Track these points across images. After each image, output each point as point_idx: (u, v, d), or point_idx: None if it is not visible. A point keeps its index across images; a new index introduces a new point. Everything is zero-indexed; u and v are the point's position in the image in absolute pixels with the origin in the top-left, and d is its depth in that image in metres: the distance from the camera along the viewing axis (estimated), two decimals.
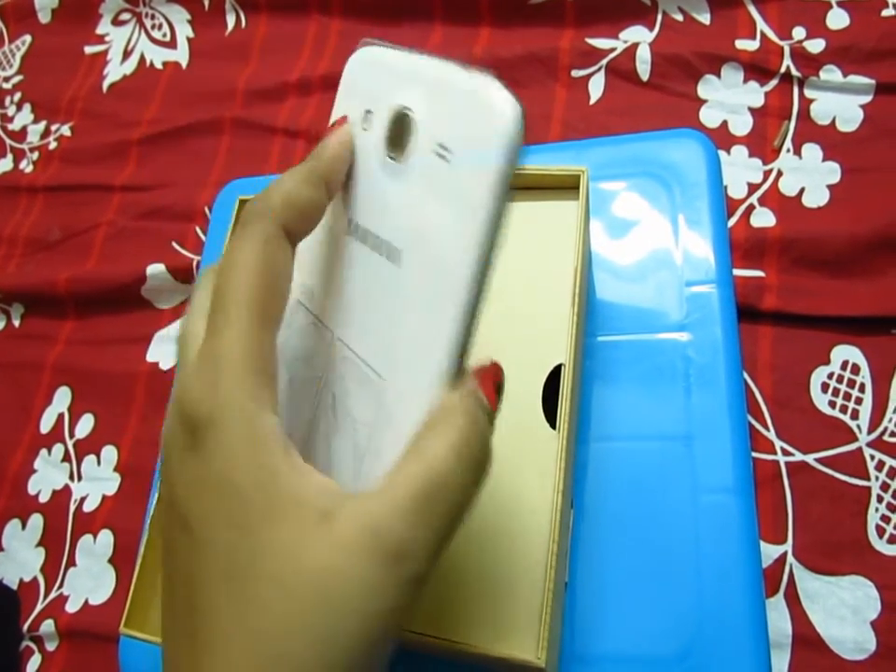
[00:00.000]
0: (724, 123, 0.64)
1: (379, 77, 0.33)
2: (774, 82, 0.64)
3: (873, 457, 0.51)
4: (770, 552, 0.49)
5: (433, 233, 0.27)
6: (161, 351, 0.71)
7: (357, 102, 0.33)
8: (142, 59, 0.89)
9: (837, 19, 0.65)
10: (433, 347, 0.27)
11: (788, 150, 0.62)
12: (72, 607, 0.63)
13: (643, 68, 0.68)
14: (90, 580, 0.64)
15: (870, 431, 0.51)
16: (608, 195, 0.54)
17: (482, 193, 0.26)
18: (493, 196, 0.26)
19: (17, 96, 0.93)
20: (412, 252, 0.28)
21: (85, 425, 0.70)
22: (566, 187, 0.45)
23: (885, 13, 0.64)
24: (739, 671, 0.40)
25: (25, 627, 0.63)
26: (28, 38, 0.97)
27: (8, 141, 0.90)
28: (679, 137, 0.54)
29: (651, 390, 0.47)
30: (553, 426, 0.39)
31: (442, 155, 0.27)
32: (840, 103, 0.62)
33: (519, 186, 0.48)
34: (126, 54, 0.90)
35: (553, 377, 0.40)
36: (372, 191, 0.31)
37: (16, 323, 0.78)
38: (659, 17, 0.70)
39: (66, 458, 0.69)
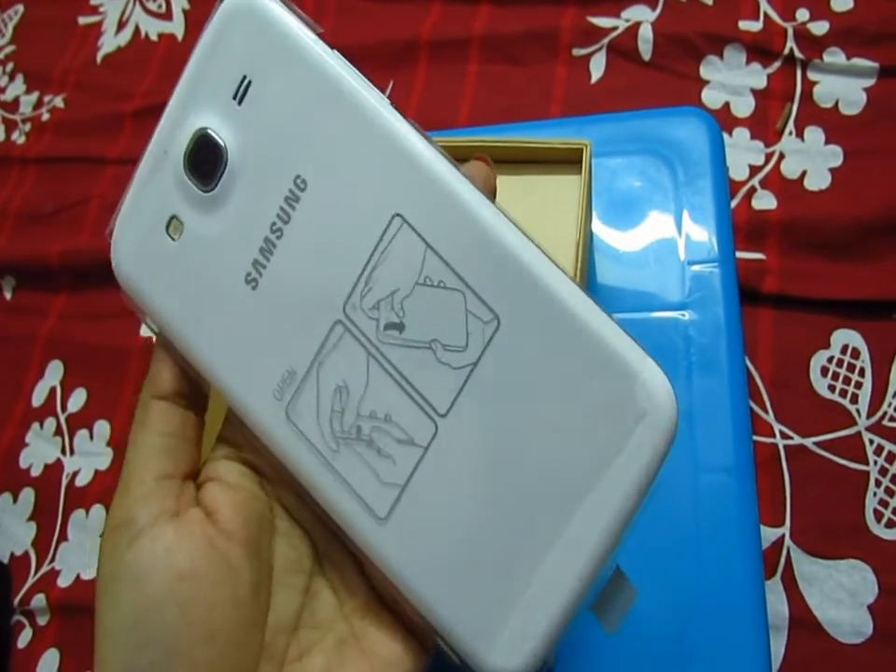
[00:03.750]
0: (726, 105, 0.63)
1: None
2: (777, 64, 0.64)
3: (872, 442, 0.51)
4: (768, 534, 0.49)
5: None
6: None
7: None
8: (136, 30, 0.88)
9: (841, 0, 0.64)
10: None
11: (790, 133, 0.61)
12: (63, 581, 0.62)
13: (645, 48, 0.67)
14: (82, 554, 0.63)
15: (869, 415, 0.51)
16: (609, 172, 0.53)
17: None
18: None
19: (9, 66, 0.91)
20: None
21: (77, 399, 0.70)
22: (568, 160, 0.45)
23: None
24: (738, 652, 0.40)
25: (16, 601, 0.63)
26: (20, 8, 0.95)
27: (0, 112, 0.89)
28: (681, 115, 0.54)
29: None
30: None
31: None
32: (843, 86, 0.62)
33: (520, 159, 0.48)
34: (121, 25, 0.89)
35: None
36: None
37: (7, 296, 0.77)
38: None
39: (58, 432, 0.69)
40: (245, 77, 0.25)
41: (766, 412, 0.53)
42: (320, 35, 0.26)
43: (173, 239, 0.26)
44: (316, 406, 0.26)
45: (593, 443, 0.25)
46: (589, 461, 0.25)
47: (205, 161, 0.25)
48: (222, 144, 0.25)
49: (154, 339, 0.28)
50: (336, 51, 0.26)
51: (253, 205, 0.26)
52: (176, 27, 0.86)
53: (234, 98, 0.25)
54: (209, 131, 0.25)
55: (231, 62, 0.25)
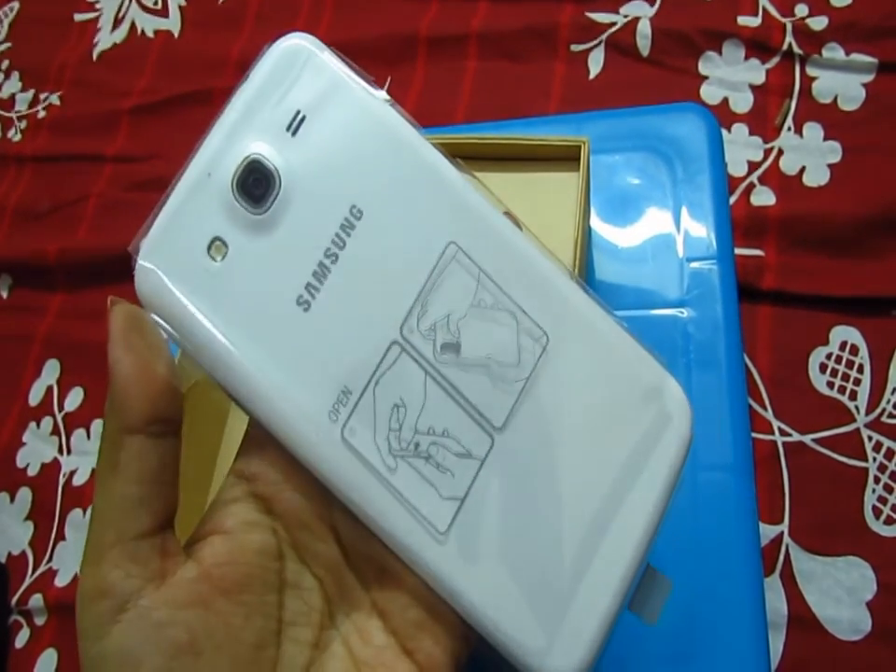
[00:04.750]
0: (725, 100, 0.63)
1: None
2: (775, 60, 0.64)
3: (870, 438, 0.51)
4: (766, 532, 0.49)
5: None
6: None
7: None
8: (133, 27, 0.87)
9: None
10: None
11: (789, 129, 0.61)
12: (61, 581, 0.62)
13: (643, 43, 0.67)
14: (79, 554, 0.62)
15: (868, 412, 0.51)
16: (607, 169, 0.53)
17: None
18: None
19: (5, 64, 0.91)
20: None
21: (74, 398, 0.70)
22: (566, 157, 0.45)
23: None
24: (737, 649, 0.40)
25: (14, 601, 0.63)
26: (16, 5, 0.95)
27: None
28: (680, 111, 0.54)
29: None
30: None
31: None
32: (842, 81, 0.62)
33: (518, 156, 0.48)
34: (117, 22, 0.88)
35: None
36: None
37: (4, 294, 0.77)
38: None
39: (55, 432, 0.69)
40: (299, 112, 0.26)
41: (765, 409, 0.52)
42: (371, 83, 0.27)
43: (214, 260, 0.26)
44: (373, 424, 0.26)
45: (629, 447, 0.27)
46: (627, 463, 0.27)
47: (257, 184, 0.26)
48: (275, 169, 0.26)
49: (113, 348, 0.25)
50: (387, 96, 0.27)
51: (306, 230, 0.26)
52: (172, 24, 0.86)
53: (288, 130, 0.26)
54: (261, 156, 0.26)
55: (284, 97, 0.26)
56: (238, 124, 0.26)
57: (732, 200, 0.58)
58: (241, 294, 0.26)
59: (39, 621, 0.61)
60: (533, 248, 0.27)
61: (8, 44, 0.93)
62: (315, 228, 0.26)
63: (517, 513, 0.26)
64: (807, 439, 0.51)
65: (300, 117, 0.26)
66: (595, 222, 0.52)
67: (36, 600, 0.62)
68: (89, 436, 0.67)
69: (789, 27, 0.64)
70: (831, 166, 0.59)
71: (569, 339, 0.27)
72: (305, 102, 0.26)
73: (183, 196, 0.26)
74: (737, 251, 0.55)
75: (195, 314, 0.26)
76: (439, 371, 0.26)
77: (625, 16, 0.69)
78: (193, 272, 0.26)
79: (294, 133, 0.26)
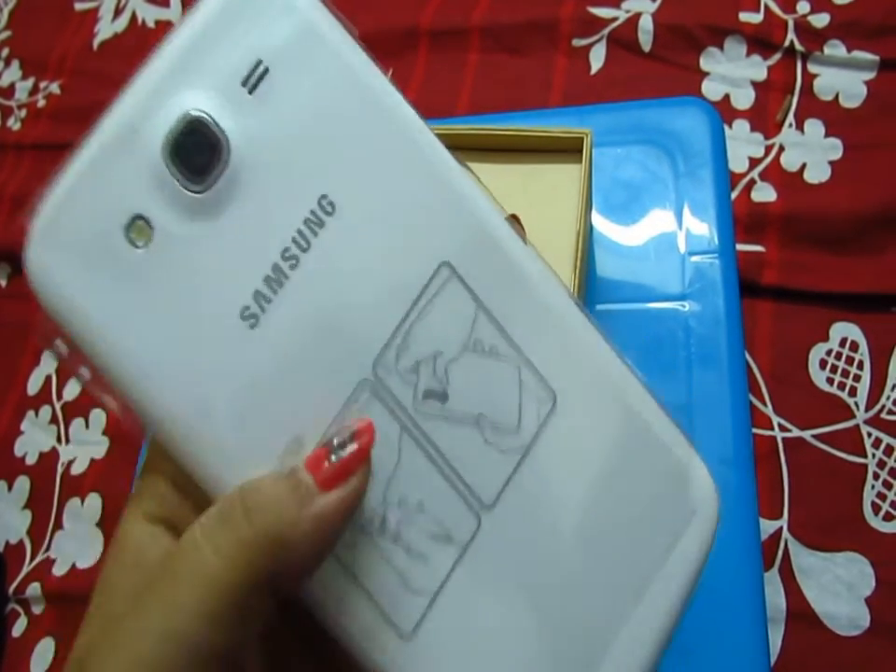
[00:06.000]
0: (726, 96, 0.63)
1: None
2: (777, 56, 0.64)
3: (870, 434, 0.51)
4: (766, 527, 0.49)
5: None
6: None
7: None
8: (133, 17, 0.87)
9: None
10: None
11: (790, 125, 0.61)
12: (59, 570, 0.62)
13: (645, 39, 0.67)
14: (77, 543, 0.63)
15: (867, 408, 0.51)
16: (609, 162, 0.53)
17: None
18: None
19: (4, 52, 0.91)
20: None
21: (73, 387, 0.69)
22: (568, 150, 0.45)
23: None
24: (736, 644, 0.40)
25: (11, 590, 0.62)
26: None
27: None
28: (682, 105, 0.54)
29: (652, 360, 0.47)
30: None
31: None
32: (843, 78, 0.62)
33: (520, 148, 0.48)
34: (117, 12, 0.88)
35: None
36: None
37: (2, 283, 0.77)
38: None
39: (54, 420, 0.68)
40: (260, 63, 0.20)
41: (765, 404, 0.53)
42: (356, 39, 0.22)
43: (135, 246, 0.20)
44: None
45: (645, 542, 0.23)
46: (641, 562, 0.23)
47: (198, 151, 0.20)
48: (223, 135, 0.20)
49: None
50: (374, 62, 0.22)
51: (259, 222, 0.20)
52: (174, 14, 0.85)
53: (244, 85, 0.20)
54: (206, 115, 0.20)
55: (243, 40, 0.20)
56: (180, 69, 0.21)
57: (733, 196, 0.58)
58: (167, 296, 0.20)
59: (37, 609, 0.61)
60: (544, 277, 0.22)
61: (8, 32, 0.92)
62: (270, 219, 0.20)
63: (502, 614, 0.21)
64: (807, 434, 0.51)
65: (261, 69, 0.20)
66: (597, 216, 0.52)
67: (34, 589, 0.62)
68: (87, 425, 0.67)
69: (790, 24, 0.64)
70: (832, 163, 0.59)
71: (583, 403, 0.22)
72: (270, 49, 0.20)
73: (95, 156, 0.20)
74: (738, 247, 0.55)
75: (105, 320, 0.20)
76: (418, 425, 0.21)
77: (627, 11, 0.69)
78: (105, 259, 0.20)
79: (252, 90, 0.20)
